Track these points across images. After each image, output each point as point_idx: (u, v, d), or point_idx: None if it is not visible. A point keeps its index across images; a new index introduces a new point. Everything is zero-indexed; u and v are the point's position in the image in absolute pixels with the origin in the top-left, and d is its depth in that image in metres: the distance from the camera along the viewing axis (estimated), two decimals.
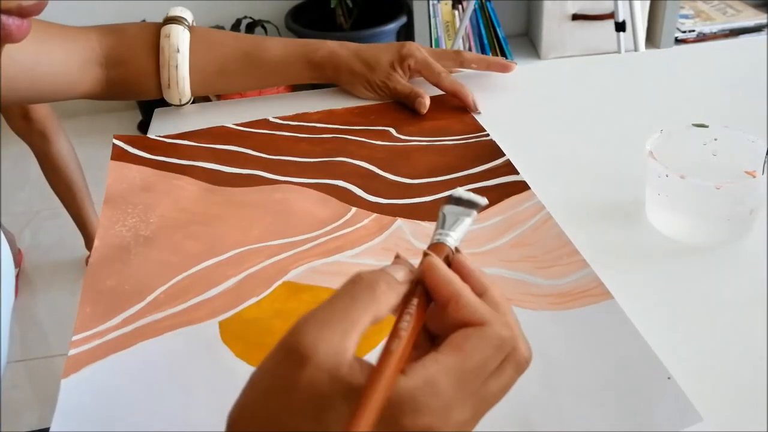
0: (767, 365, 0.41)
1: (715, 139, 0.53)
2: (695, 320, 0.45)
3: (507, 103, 0.73)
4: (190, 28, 0.71)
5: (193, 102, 0.75)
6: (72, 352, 0.45)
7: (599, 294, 0.46)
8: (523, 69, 0.78)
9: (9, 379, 1.44)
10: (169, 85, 0.70)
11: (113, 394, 0.42)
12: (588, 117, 0.69)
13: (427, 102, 0.71)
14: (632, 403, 0.38)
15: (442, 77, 0.73)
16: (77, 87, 0.68)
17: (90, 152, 1.73)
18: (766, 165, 0.49)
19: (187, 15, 0.71)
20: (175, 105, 0.74)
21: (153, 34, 0.70)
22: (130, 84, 0.71)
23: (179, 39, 0.69)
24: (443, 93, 0.73)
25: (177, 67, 0.69)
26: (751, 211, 0.50)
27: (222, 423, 0.31)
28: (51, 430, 0.40)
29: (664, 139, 0.52)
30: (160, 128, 0.72)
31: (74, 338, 0.46)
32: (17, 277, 1.70)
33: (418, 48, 0.74)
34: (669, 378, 0.39)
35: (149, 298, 0.49)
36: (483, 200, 0.37)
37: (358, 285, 0.31)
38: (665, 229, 0.52)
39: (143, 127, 2.28)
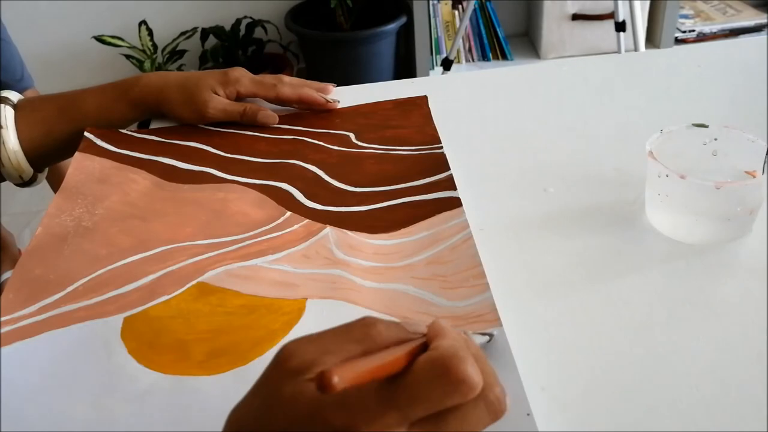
0: (767, 364, 0.41)
1: (715, 139, 0.53)
2: (695, 320, 0.45)
3: (507, 103, 0.73)
4: (16, 106, 0.69)
5: None
6: None
7: (490, 320, 0.45)
8: (523, 69, 0.78)
9: None
10: (2, 163, 0.68)
11: (6, 380, 0.43)
12: (588, 117, 0.69)
13: (270, 113, 0.69)
14: None
15: (278, 88, 0.70)
16: None
17: None
18: (766, 165, 0.49)
19: (13, 96, 0.69)
20: (18, 185, 0.70)
21: None
22: None
23: (2, 115, 0.67)
24: (407, 99, 0.72)
25: (4, 143, 0.67)
26: (751, 211, 0.50)
27: (102, 418, 0.35)
28: None
29: (664, 139, 0.52)
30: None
31: None
32: None
33: (245, 72, 0.71)
34: (528, 414, 0.38)
35: (69, 289, 0.50)
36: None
37: (359, 321, 0.32)
38: (665, 229, 0.52)
39: (143, 127, 2.27)
